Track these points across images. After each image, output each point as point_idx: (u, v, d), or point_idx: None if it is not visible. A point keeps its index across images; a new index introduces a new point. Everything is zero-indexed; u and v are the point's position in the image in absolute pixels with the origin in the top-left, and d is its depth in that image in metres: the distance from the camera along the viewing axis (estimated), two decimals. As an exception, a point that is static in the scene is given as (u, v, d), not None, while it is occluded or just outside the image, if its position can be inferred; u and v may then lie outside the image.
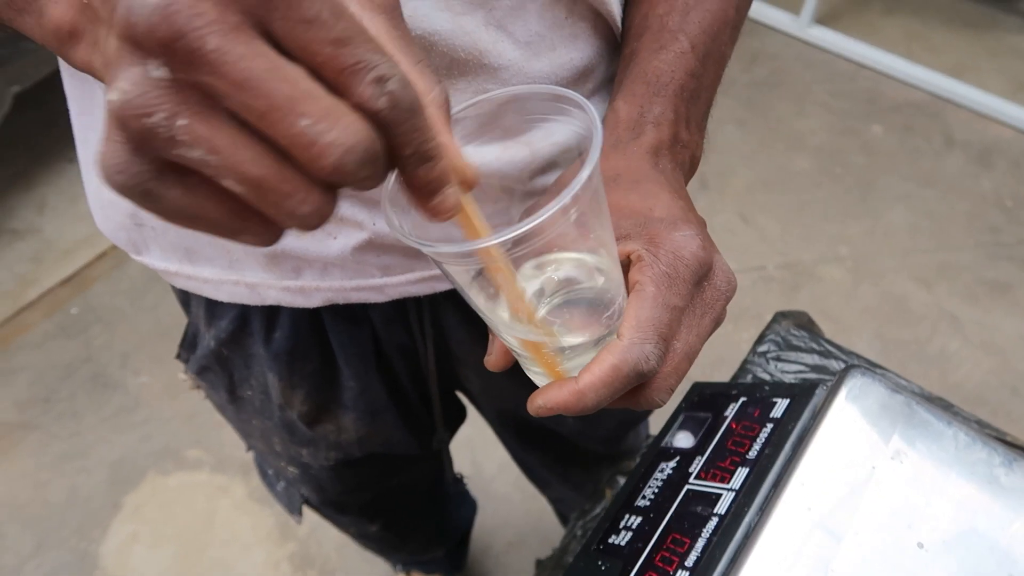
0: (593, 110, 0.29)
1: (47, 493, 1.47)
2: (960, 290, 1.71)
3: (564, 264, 0.33)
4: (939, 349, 1.62)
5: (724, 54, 0.46)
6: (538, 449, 0.87)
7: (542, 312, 0.33)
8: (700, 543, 0.38)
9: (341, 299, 0.51)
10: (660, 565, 0.39)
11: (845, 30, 2.30)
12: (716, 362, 1.52)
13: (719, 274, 0.36)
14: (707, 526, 0.39)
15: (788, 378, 0.59)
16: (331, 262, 0.49)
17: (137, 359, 1.65)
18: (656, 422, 0.73)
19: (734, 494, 0.40)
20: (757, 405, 0.45)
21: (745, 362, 0.60)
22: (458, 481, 1.15)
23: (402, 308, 0.59)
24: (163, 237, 0.52)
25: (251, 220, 0.23)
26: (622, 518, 0.44)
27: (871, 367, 0.56)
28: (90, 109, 0.49)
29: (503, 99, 0.31)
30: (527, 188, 0.45)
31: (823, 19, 2.35)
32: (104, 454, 1.51)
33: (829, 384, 0.43)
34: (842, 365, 0.58)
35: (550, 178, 0.46)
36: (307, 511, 0.87)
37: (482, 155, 0.42)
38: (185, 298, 0.62)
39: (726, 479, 0.41)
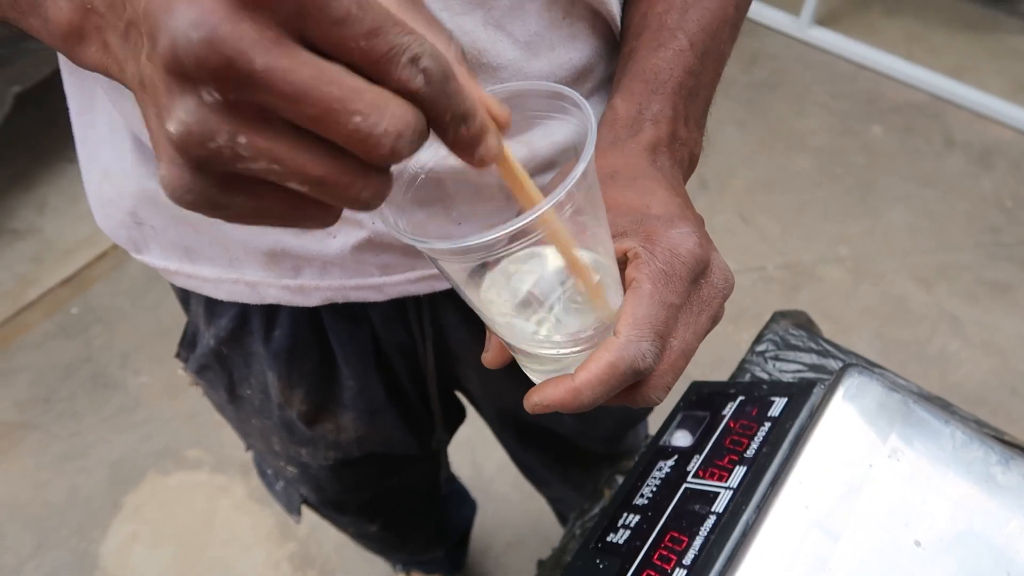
0: (588, 108, 0.29)
1: (47, 493, 1.47)
2: (960, 290, 1.71)
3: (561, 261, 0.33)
4: (939, 349, 1.62)
5: (723, 52, 0.46)
6: (537, 449, 0.87)
7: (556, 309, 0.33)
8: (698, 541, 0.38)
9: (340, 298, 0.52)
10: (658, 563, 0.39)
11: (845, 31, 2.30)
12: (716, 362, 1.52)
13: (716, 272, 0.36)
14: (705, 524, 0.39)
15: (786, 377, 0.59)
16: (330, 261, 0.49)
17: (137, 359, 1.65)
18: (654, 421, 0.73)
19: (732, 493, 0.40)
20: (755, 404, 0.45)
21: (743, 361, 0.60)
22: (451, 480, 1.15)
23: (401, 307, 0.59)
24: (163, 236, 0.52)
25: (313, 207, 0.24)
26: (620, 516, 0.44)
27: (869, 366, 0.56)
28: (90, 108, 0.49)
29: (503, 97, 0.31)
30: None
31: (823, 20, 2.34)
32: (104, 454, 1.51)
33: (827, 383, 0.43)
34: (840, 364, 0.58)
35: (548, 178, 0.46)
36: (306, 511, 0.87)
37: None
38: (185, 297, 0.62)
39: (724, 478, 0.41)
